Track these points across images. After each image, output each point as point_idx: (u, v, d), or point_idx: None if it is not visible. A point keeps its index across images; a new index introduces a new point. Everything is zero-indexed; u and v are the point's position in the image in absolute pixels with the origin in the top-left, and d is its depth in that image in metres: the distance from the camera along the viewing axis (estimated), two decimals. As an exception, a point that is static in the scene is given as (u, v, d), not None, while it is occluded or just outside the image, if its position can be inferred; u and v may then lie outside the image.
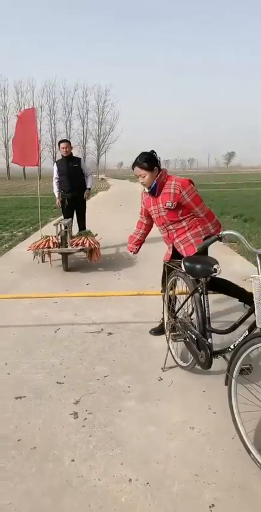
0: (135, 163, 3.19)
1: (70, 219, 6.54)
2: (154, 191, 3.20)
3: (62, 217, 7.13)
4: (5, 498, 1.86)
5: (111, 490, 1.90)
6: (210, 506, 1.81)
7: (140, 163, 3.16)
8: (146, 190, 3.25)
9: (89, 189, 6.79)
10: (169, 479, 1.97)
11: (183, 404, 2.58)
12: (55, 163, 6.88)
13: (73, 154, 6.79)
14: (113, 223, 10.45)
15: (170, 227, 3.25)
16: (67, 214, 6.79)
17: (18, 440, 2.25)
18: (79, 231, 6.67)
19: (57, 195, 6.81)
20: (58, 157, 7.42)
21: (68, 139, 7.10)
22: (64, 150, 6.54)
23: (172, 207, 3.13)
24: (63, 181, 6.68)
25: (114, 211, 13.82)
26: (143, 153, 3.18)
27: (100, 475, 1.99)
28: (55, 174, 6.77)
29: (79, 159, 6.91)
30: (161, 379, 2.88)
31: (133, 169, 3.23)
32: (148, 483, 1.94)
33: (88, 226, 6.91)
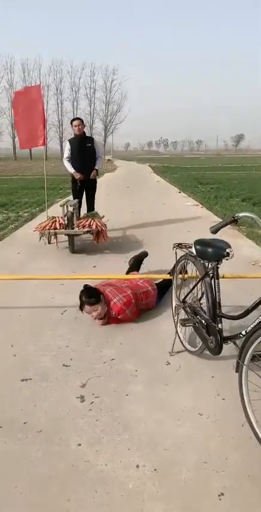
0: (83, 302, 3.36)
1: (77, 200, 6.45)
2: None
3: (69, 198, 7.04)
4: (11, 481, 1.84)
5: (118, 475, 1.87)
6: (219, 495, 1.77)
7: (87, 299, 3.33)
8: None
9: (97, 170, 6.64)
10: (177, 466, 1.94)
11: (191, 389, 2.53)
12: (67, 142, 6.76)
13: (86, 133, 6.65)
14: (120, 205, 10.34)
15: None
16: (77, 195, 6.69)
17: (24, 423, 2.23)
18: (87, 212, 6.57)
19: (73, 171, 6.56)
20: (65, 137, 7.28)
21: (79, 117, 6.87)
22: (77, 128, 6.40)
23: None
24: (75, 161, 6.53)
25: (121, 193, 13.69)
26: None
27: (107, 460, 1.96)
28: (67, 153, 6.62)
29: (93, 138, 6.78)
30: (169, 363, 2.84)
31: (81, 306, 3.40)
32: (155, 469, 1.91)
33: (95, 208, 6.82)
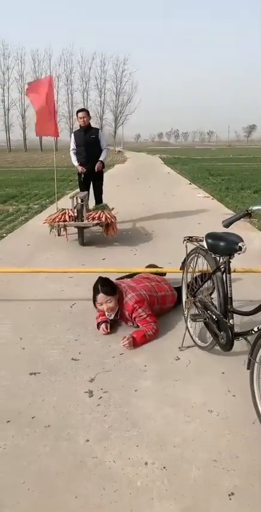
0: (99, 289, 3.14)
1: (86, 192, 6.41)
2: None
3: (78, 190, 7.01)
4: (18, 476, 1.83)
5: (126, 473, 1.85)
6: (229, 494, 1.74)
7: (104, 287, 3.14)
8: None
9: (102, 161, 6.55)
10: (186, 463, 1.91)
11: (201, 385, 2.50)
12: (72, 134, 6.72)
13: (91, 125, 6.58)
14: (130, 197, 10.27)
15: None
16: (84, 187, 6.66)
17: (32, 418, 2.22)
18: (95, 204, 6.54)
19: (76, 164, 6.58)
20: (75, 128, 7.22)
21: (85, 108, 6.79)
22: (82, 120, 6.34)
23: None
24: (80, 153, 6.50)
25: (131, 184, 13.60)
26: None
27: (115, 457, 1.94)
28: (72, 145, 6.60)
29: (97, 129, 6.72)
30: (179, 358, 2.80)
31: (95, 294, 3.17)
32: (164, 467, 1.88)
33: (104, 200, 6.77)
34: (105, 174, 6.95)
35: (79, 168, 6.56)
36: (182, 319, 3.15)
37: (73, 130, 6.85)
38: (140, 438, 2.06)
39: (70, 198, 6.09)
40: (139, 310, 3.09)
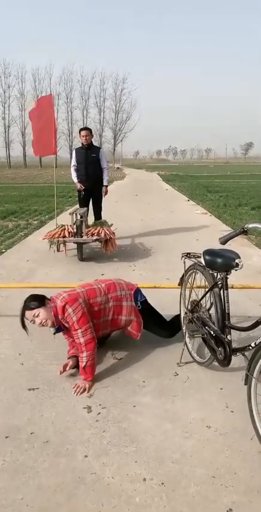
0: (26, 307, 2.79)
1: (85, 208, 6.49)
2: (59, 330, 2.88)
3: (78, 206, 7.08)
4: (17, 492, 1.83)
5: (124, 489, 1.85)
6: (228, 511, 1.74)
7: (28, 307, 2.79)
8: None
9: (106, 186, 6.69)
10: (185, 479, 1.91)
11: (199, 401, 2.50)
12: (74, 151, 6.82)
13: (93, 143, 6.71)
14: (129, 213, 10.36)
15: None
16: (83, 204, 6.73)
17: (31, 433, 2.22)
18: (94, 220, 6.60)
19: (76, 181, 6.68)
20: (75, 145, 7.35)
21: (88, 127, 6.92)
22: (85, 138, 6.44)
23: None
24: (80, 170, 6.61)
25: (130, 201, 13.72)
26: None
27: (114, 473, 1.94)
28: (73, 162, 6.72)
29: (99, 148, 6.82)
30: (177, 374, 2.81)
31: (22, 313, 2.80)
32: (163, 483, 1.88)
33: (103, 216, 6.84)
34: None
35: (78, 185, 6.67)
36: (181, 335, 3.16)
37: (75, 147, 6.95)
38: (139, 454, 2.07)
39: (69, 214, 6.15)
40: (68, 310, 2.72)
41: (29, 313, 2.75)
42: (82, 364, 2.71)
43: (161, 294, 4.23)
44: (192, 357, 2.94)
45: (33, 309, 2.74)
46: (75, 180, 6.70)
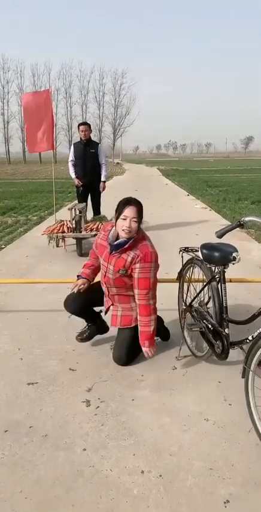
0: (133, 203, 2.66)
1: (84, 203, 6.48)
2: (117, 248, 2.69)
3: (77, 201, 7.07)
4: (16, 485, 1.84)
5: (123, 481, 1.86)
6: (225, 502, 1.75)
7: (139, 206, 2.67)
8: (110, 238, 2.73)
9: (104, 181, 6.67)
10: (182, 472, 1.92)
11: (198, 395, 2.52)
12: (72, 145, 6.77)
13: (92, 138, 6.68)
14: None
15: (114, 290, 2.85)
16: (82, 199, 6.73)
17: (30, 427, 2.23)
18: (93, 215, 6.60)
19: (74, 176, 6.68)
20: (74, 140, 7.34)
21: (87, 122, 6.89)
22: (83, 133, 6.39)
23: (126, 274, 2.72)
24: (79, 166, 6.59)
25: (129, 196, 13.69)
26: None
27: (112, 466, 1.96)
28: (71, 157, 6.66)
29: (97, 144, 6.78)
30: (176, 368, 2.82)
31: (125, 206, 2.64)
32: (160, 475, 1.90)
33: (102, 211, 6.83)
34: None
35: (76, 181, 6.67)
36: (179, 329, 3.17)
37: (73, 142, 6.92)
38: (137, 447, 2.08)
39: (68, 209, 6.15)
40: (153, 262, 2.70)
41: (133, 210, 2.61)
42: (148, 328, 2.72)
43: (160, 288, 4.23)
44: (190, 351, 2.95)
45: (139, 215, 2.64)
46: (73, 175, 6.69)
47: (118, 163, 57.31)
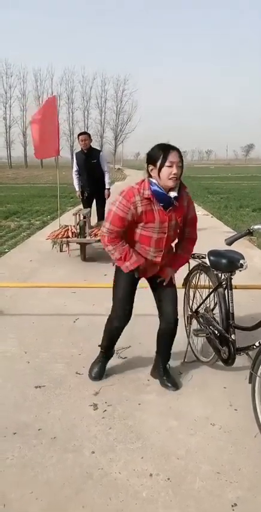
0: (174, 148, 2.32)
1: (89, 209, 6.51)
2: (176, 200, 2.38)
3: (81, 206, 7.11)
4: (26, 487, 1.87)
5: (132, 484, 1.89)
6: (232, 505, 1.78)
7: (179, 149, 2.34)
8: (172, 194, 2.35)
9: (108, 188, 6.62)
10: (190, 475, 1.95)
11: (204, 399, 2.54)
12: (74, 156, 6.74)
13: (92, 146, 6.64)
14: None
15: (170, 246, 2.63)
16: (86, 205, 6.76)
17: (39, 430, 2.26)
18: (98, 221, 6.64)
19: (77, 188, 6.69)
20: (76, 145, 7.38)
21: (87, 130, 6.95)
22: (83, 143, 6.34)
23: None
24: (82, 175, 6.60)
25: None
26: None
27: (121, 469, 1.98)
28: (75, 167, 6.63)
29: (99, 152, 6.73)
30: (181, 373, 2.85)
31: (167, 151, 2.29)
32: (169, 478, 1.92)
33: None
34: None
35: (77, 193, 6.74)
36: (184, 334, 3.20)
37: (75, 151, 6.89)
38: (145, 450, 2.11)
39: (73, 215, 6.19)
40: (195, 224, 2.61)
41: (177, 156, 2.32)
42: (188, 256, 2.68)
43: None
44: (196, 356, 2.98)
45: (181, 160, 2.36)
46: (77, 187, 6.70)
47: (119, 168, 57.47)
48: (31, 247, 6.82)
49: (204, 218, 10.13)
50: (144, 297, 4.29)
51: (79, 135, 6.55)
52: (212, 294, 2.71)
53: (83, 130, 7.28)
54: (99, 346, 2.87)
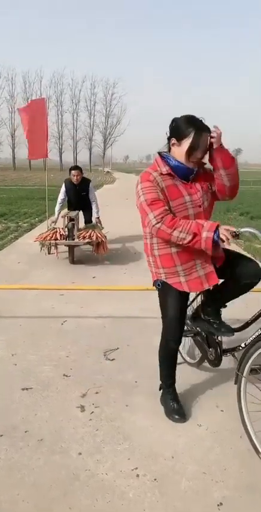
0: (207, 129, 2.10)
1: (77, 211, 6.49)
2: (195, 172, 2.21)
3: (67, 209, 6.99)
4: (13, 489, 1.86)
5: (118, 485, 1.90)
6: (218, 505, 1.80)
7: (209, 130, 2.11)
8: (179, 166, 2.17)
9: (98, 217, 6.56)
10: (177, 475, 1.96)
11: (190, 401, 2.57)
12: (63, 184, 6.52)
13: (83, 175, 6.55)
14: (119, 216, 10.41)
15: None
16: (74, 208, 6.62)
17: (26, 432, 2.25)
18: (85, 223, 6.63)
19: (56, 215, 6.39)
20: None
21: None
22: (75, 178, 6.30)
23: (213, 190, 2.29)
24: (71, 205, 6.55)
25: (120, 204, 13.76)
26: None
27: (108, 470, 1.99)
28: (61, 195, 6.44)
29: (88, 182, 6.56)
30: (168, 375, 2.86)
31: (199, 132, 2.07)
32: (155, 479, 1.94)
33: (94, 220, 6.82)
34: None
35: (54, 218, 6.37)
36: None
37: (64, 180, 6.61)
38: (132, 451, 2.12)
39: (61, 217, 6.18)
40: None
41: (205, 138, 2.11)
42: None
43: (153, 296, 4.29)
44: (183, 358, 3.00)
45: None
46: (56, 214, 6.39)
47: (108, 172, 57.55)
48: (19, 250, 6.78)
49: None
50: (132, 298, 4.32)
51: (71, 169, 6.47)
52: (200, 295, 2.73)
53: (75, 165, 6.78)
54: (160, 386, 2.57)
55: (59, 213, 6.42)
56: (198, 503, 1.81)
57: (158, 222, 2.11)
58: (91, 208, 6.58)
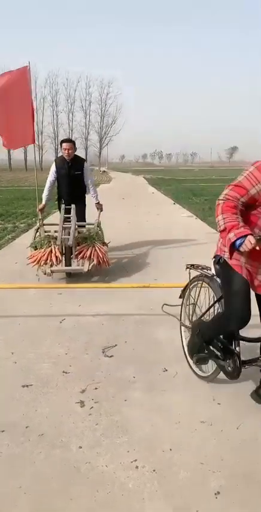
0: None
1: (73, 228, 5.20)
2: None
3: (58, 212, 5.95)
4: (15, 482, 1.91)
5: (118, 476, 1.94)
6: (215, 494, 1.85)
7: None
8: None
9: (98, 202, 5.88)
10: (175, 466, 2.01)
11: (188, 395, 2.61)
12: (54, 163, 5.69)
13: (77, 155, 5.72)
14: (116, 216, 10.43)
15: None
16: (65, 212, 5.49)
17: (26, 427, 2.29)
18: (77, 221, 5.47)
19: (44, 201, 5.67)
20: (59, 151, 6.30)
21: (72, 133, 6.29)
22: (67, 151, 5.41)
23: None
24: (61, 187, 5.70)
25: (117, 204, 13.81)
26: None
27: (108, 462, 2.04)
28: (51, 176, 5.58)
29: (83, 162, 5.76)
30: (166, 370, 2.92)
31: None
32: (154, 470, 1.99)
33: (88, 219, 6.02)
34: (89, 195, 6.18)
35: (41, 206, 5.69)
36: (167, 334, 3.27)
37: (56, 157, 5.88)
38: (131, 444, 2.16)
39: (55, 232, 5.43)
40: None
41: None
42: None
43: (150, 294, 4.35)
44: (193, 371, 2.83)
45: None
46: (44, 200, 5.68)
47: (104, 171, 57.56)
48: (16, 250, 6.80)
49: (188, 220, 10.27)
50: (129, 295, 4.37)
51: (62, 142, 5.67)
52: (215, 304, 2.59)
53: (67, 137, 6.14)
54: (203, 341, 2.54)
55: (47, 199, 5.69)
56: (196, 492, 1.86)
57: (222, 200, 2.23)
58: (85, 199, 5.82)
